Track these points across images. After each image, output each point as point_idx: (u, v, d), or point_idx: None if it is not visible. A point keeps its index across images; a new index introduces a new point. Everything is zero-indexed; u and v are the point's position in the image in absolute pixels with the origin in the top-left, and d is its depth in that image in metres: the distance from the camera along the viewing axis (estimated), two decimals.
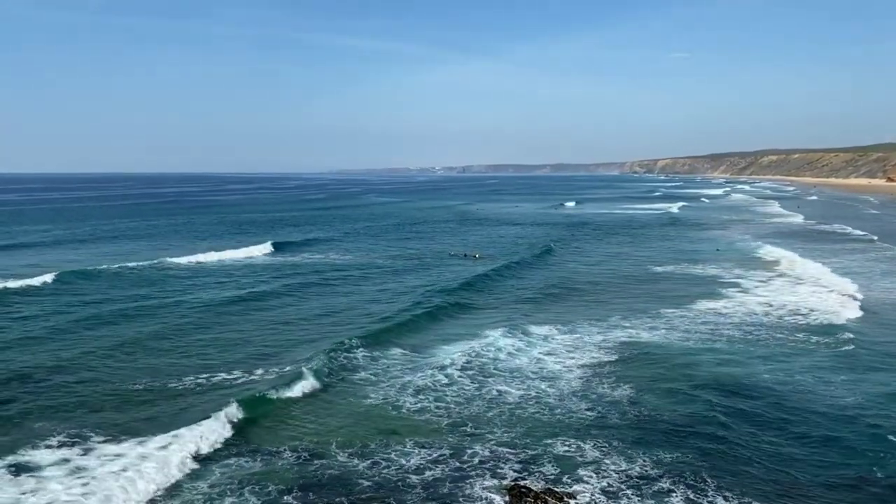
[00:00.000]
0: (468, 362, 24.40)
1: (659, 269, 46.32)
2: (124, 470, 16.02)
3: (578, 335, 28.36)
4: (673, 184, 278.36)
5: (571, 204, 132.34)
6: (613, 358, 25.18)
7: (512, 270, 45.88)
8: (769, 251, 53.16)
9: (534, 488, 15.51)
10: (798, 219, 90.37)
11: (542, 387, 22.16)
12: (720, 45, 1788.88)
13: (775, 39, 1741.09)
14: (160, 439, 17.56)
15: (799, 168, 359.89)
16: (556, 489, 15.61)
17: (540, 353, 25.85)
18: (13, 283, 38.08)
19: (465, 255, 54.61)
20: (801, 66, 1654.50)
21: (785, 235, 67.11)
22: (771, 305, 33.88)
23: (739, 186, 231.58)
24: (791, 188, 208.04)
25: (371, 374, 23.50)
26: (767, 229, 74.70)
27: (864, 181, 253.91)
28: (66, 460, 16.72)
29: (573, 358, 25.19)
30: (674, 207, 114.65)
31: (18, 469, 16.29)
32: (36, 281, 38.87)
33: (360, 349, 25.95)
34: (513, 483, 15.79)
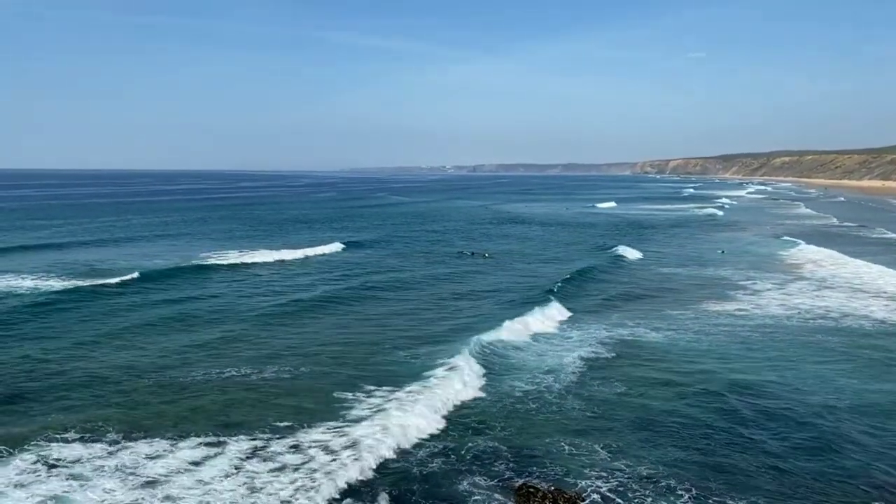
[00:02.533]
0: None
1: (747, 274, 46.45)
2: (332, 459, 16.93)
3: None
4: (695, 185, 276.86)
5: (611, 204, 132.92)
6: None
7: (595, 273, 45.75)
8: (833, 257, 52.26)
9: (541, 488, 15.57)
10: (832, 220, 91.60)
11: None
12: (737, 46, 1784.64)
13: (790, 41, 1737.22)
14: (337, 436, 18.19)
15: (811, 170, 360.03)
16: (563, 489, 15.64)
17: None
18: (101, 280, 38.94)
19: (473, 254, 54.21)
20: (815, 67, 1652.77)
21: (834, 238, 67.47)
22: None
23: (760, 188, 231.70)
24: (812, 190, 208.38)
25: (506, 362, 25.25)
26: (814, 230, 75.21)
27: (877, 183, 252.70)
28: (296, 446, 17.60)
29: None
30: (712, 209, 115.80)
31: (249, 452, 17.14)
32: (126, 277, 39.84)
33: (484, 341, 27.25)
34: (521, 482, 15.93)
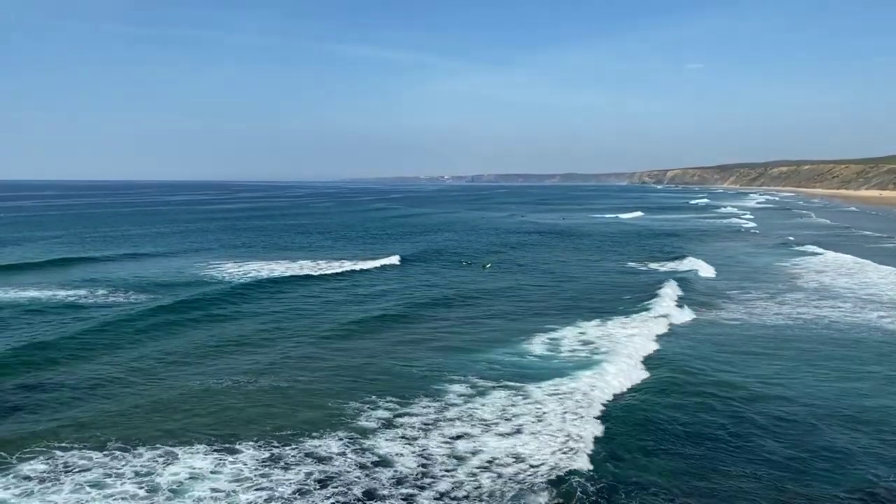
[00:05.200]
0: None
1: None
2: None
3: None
4: (702, 195, 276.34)
5: (637, 214, 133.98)
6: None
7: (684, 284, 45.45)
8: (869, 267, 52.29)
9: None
10: (851, 230, 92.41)
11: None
12: (735, 57, 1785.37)
13: (788, 50, 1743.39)
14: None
15: (809, 179, 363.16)
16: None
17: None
18: (163, 293, 39.91)
19: (470, 264, 55.23)
20: (813, 76, 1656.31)
21: (869, 249, 67.71)
22: None
23: (767, 198, 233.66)
24: (816, 200, 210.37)
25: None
26: (841, 239, 75.80)
27: (875, 193, 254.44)
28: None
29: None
30: (735, 219, 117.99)
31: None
32: (213, 289, 41.28)
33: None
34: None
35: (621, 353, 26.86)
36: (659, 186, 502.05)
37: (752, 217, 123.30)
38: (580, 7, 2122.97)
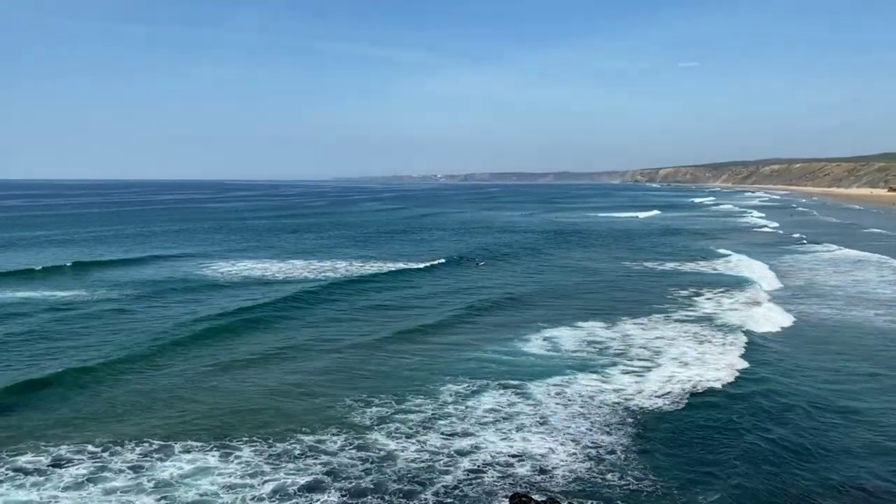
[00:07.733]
0: None
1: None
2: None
3: None
4: (700, 194, 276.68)
5: (655, 212, 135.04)
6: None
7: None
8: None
9: (535, 498, 15.24)
10: (862, 229, 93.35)
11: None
12: (730, 55, 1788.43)
13: (782, 49, 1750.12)
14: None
15: (800, 178, 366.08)
16: (557, 499, 15.35)
17: None
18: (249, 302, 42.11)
19: (471, 260, 56.58)
20: (804, 75, 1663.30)
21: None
22: None
23: (767, 196, 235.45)
24: (816, 198, 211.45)
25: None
26: (859, 238, 76.72)
27: (866, 191, 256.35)
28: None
29: None
30: (750, 217, 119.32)
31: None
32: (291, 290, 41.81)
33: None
34: (514, 492, 15.61)
35: (709, 359, 27.48)
36: (654, 185, 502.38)
37: (764, 216, 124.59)
38: (573, 5, 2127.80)
